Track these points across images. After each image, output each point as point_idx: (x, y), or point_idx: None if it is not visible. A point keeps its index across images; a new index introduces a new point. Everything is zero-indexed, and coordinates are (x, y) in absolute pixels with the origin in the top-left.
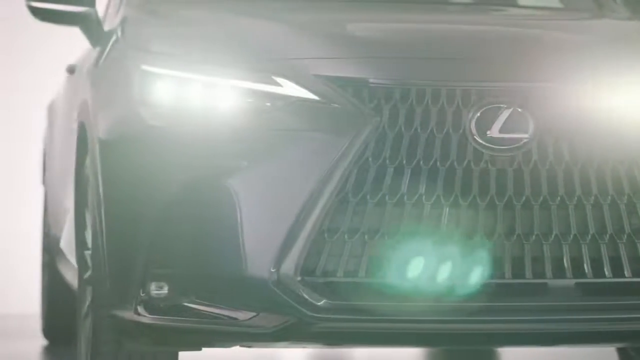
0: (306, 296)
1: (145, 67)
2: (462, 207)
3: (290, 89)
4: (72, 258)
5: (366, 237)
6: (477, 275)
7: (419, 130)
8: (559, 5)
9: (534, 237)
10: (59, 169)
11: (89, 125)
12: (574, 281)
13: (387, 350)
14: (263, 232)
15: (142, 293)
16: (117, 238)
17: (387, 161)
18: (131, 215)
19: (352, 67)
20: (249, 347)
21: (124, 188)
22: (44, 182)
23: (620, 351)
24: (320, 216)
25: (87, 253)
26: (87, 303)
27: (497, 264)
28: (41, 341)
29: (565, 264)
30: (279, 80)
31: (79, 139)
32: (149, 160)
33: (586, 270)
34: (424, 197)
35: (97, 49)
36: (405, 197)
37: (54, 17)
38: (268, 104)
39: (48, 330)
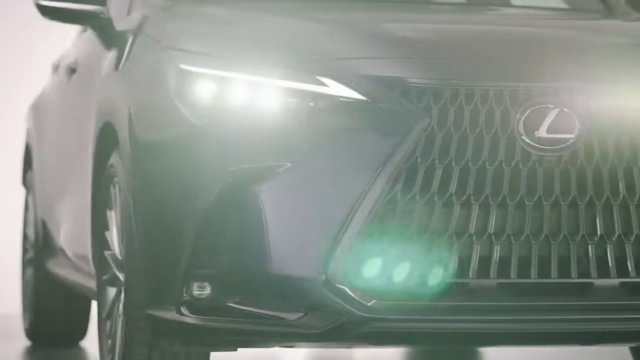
0: (355, 296)
1: (184, 67)
2: (509, 207)
3: (336, 88)
4: (77, 258)
5: (415, 237)
6: (524, 274)
7: (467, 130)
8: (564, 6)
9: (579, 237)
10: (56, 169)
11: (118, 125)
12: (618, 281)
13: (386, 350)
14: (311, 232)
15: (185, 293)
16: (157, 239)
17: (436, 161)
18: (172, 216)
19: (400, 67)
20: (292, 347)
21: (164, 188)
22: (26, 182)
23: (634, 350)
24: (369, 216)
25: (108, 254)
26: (110, 303)
27: (543, 264)
28: (24, 342)
29: (610, 264)
30: (324, 80)
31: (100, 140)
32: (192, 160)
33: (630, 270)
34: (472, 197)
35: (114, 49)
36: (454, 198)
37: (64, 16)
38: (313, 104)
39: (32, 330)
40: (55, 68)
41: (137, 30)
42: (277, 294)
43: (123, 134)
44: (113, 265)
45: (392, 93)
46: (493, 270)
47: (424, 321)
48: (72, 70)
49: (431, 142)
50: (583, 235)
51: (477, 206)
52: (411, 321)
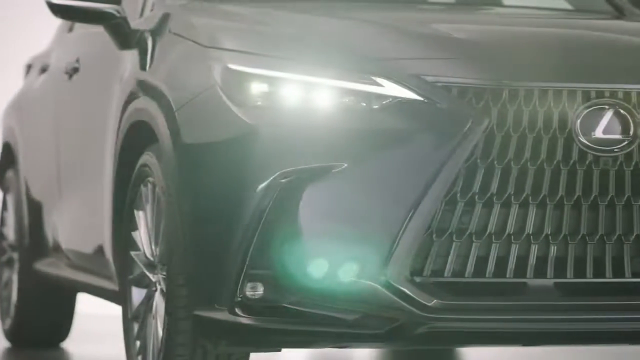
0: (416, 297)
1: (233, 66)
2: (566, 207)
3: (391, 89)
4: (82, 258)
5: (474, 237)
6: (580, 274)
7: (526, 131)
8: (568, 7)
9: (633, 236)
10: (53, 169)
11: (156, 125)
12: None
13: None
14: (369, 233)
15: (238, 294)
16: (207, 240)
17: (495, 162)
18: (225, 217)
19: (457, 67)
20: (344, 347)
21: (216, 189)
22: (4, 182)
23: None
24: (428, 217)
25: (135, 254)
26: (137, 304)
27: (598, 264)
28: (2, 343)
29: None
30: (379, 80)
31: (127, 139)
32: (246, 160)
33: None
34: (530, 197)
35: (134, 48)
36: (512, 198)
37: (76, 16)
38: (369, 104)
39: (14, 332)
40: (30, 68)
41: (160, 29)
42: (335, 295)
43: (163, 134)
44: (141, 266)
45: (448, 93)
46: (550, 270)
47: (484, 321)
48: (74, 70)
49: (490, 142)
50: (637, 235)
51: (535, 206)
52: (472, 321)
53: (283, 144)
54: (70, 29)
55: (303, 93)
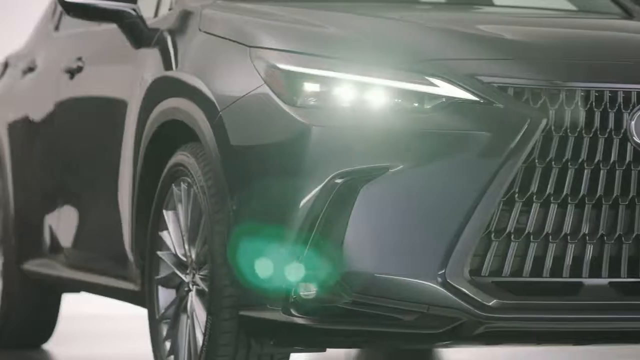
0: (476, 296)
1: (283, 66)
2: (620, 207)
3: (446, 89)
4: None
5: (531, 237)
6: (634, 273)
7: (583, 131)
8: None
9: None
10: (54, 170)
11: (197, 125)
12: None
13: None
14: (427, 233)
15: (293, 294)
16: (259, 239)
17: (553, 162)
18: (277, 216)
19: (513, 68)
20: (400, 347)
21: (267, 189)
22: None
23: None
24: (486, 217)
25: (164, 254)
26: (167, 305)
27: None
28: None
29: None
30: (434, 80)
31: (155, 140)
32: (301, 161)
33: None
34: (586, 198)
35: (154, 47)
36: (569, 198)
37: (91, 14)
38: (424, 104)
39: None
40: (6, 67)
41: (184, 28)
42: (393, 295)
43: (206, 134)
44: (172, 266)
45: (504, 94)
46: (605, 269)
47: (542, 320)
48: (77, 69)
49: (548, 143)
50: None
51: (590, 207)
52: (530, 320)
53: (338, 143)
54: (57, 28)
55: (357, 93)
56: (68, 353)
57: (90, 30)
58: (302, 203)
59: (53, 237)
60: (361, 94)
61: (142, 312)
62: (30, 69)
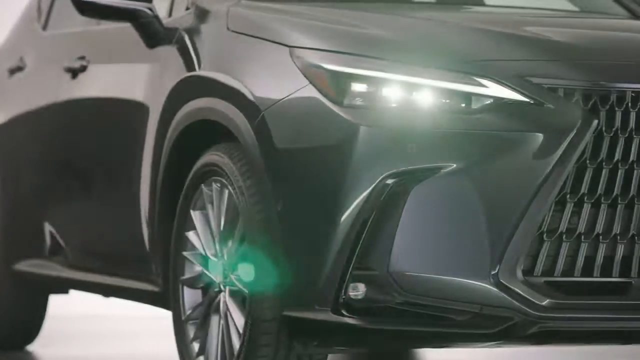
0: (529, 296)
1: (328, 66)
2: None
3: (495, 89)
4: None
5: (582, 237)
6: None
7: (633, 132)
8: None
9: None
10: (58, 169)
11: (234, 126)
12: None
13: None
14: (480, 232)
15: (343, 294)
16: (305, 242)
17: (603, 163)
18: (327, 218)
19: (563, 70)
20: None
21: (315, 190)
22: None
23: None
24: (539, 217)
25: (193, 254)
26: (195, 305)
27: None
28: None
29: None
30: (483, 81)
31: (181, 139)
32: (350, 161)
33: None
34: (635, 198)
35: (173, 45)
36: (619, 199)
37: (104, 13)
38: (473, 105)
39: None
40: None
41: (208, 27)
42: (445, 295)
43: (246, 134)
44: (200, 266)
45: (554, 95)
46: None
47: (594, 320)
48: (81, 68)
49: (599, 143)
50: None
51: (638, 207)
52: (582, 320)
53: (388, 144)
54: (45, 27)
55: (405, 93)
56: (52, 353)
57: (90, 29)
58: (352, 204)
59: (53, 239)
60: (409, 94)
61: (137, 313)
62: (19, 68)
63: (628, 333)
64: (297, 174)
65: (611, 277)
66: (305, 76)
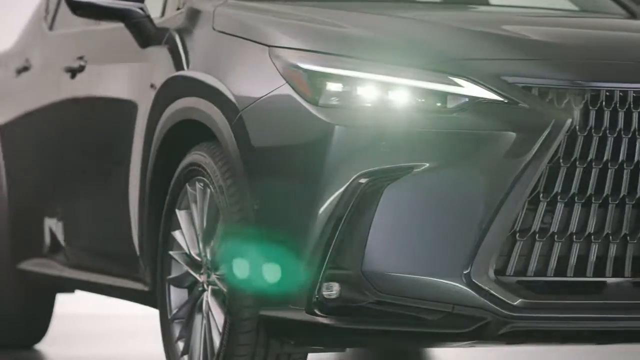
0: (501, 296)
1: (305, 66)
2: None
3: (470, 89)
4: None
5: (556, 237)
6: None
7: (607, 131)
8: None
9: None
10: (51, 170)
11: (214, 125)
12: None
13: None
14: (452, 232)
15: (316, 294)
16: (280, 241)
17: (577, 162)
18: (301, 217)
19: (538, 69)
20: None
21: (290, 189)
22: None
23: None
24: (511, 217)
25: (176, 253)
26: (180, 305)
27: None
28: None
29: None
30: (458, 80)
31: (167, 139)
32: (324, 161)
33: None
34: (610, 197)
35: (163, 45)
36: (593, 198)
37: (98, 13)
38: (447, 104)
39: None
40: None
41: (196, 27)
42: (418, 295)
43: (225, 133)
44: (185, 266)
45: (529, 94)
46: (628, 269)
47: (567, 320)
48: (79, 68)
49: (573, 143)
50: None
51: (614, 206)
52: (554, 320)
53: (362, 143)
54: (51, 27)
55: (380, 93)
56: (63, 353)
57: (89, 29)
58: (326, 203)
59: (53, 238)
60: (384, 93)
61: (142, 312)
62: (25, 68)
63: (602, 333)
64: (273, 173)
65: (585, 276)
66: (282, 76)
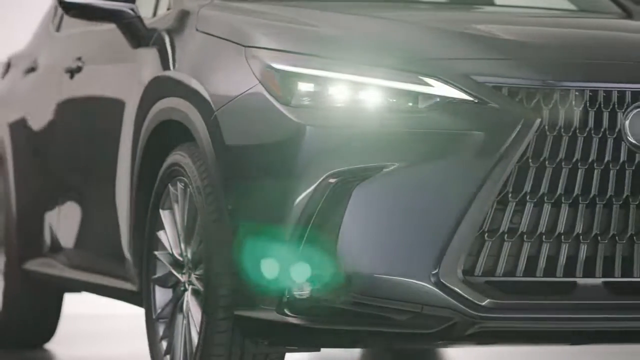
0: (469, 296)
1: (277, 66)
2: (614, 207)
3: (441, 89)
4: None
5: (525, 237)
6: (628, 273)
7: (577, 131)
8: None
9: None
10: (52, 170)
11: (193, 125)
12: None
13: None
14: (421, 232)
15: (287, 294)
16: (254, 239)
17: (546, 162)
18: (272, 216)
19: (508, 68)
20: (394, 347)
21: (261, 189)
22: None
23: None
24: (480, 217)
25: (161, 253)
26: (163, 304)
27: None
28: None
29: None
30: (428, 80)
31: (151, 140)
32: (295, 160)
33: None
34: (580, 197)
35: (152, 46)
36: (563, 198)
37: (90, 14)
38: (418, 104)
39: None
40: (9, 67)
41: (182, 28)
42: (387, 295)
43: (201, 133)
44: (168, 265)
45: (498, 94)
46: (598, 269)
47: (535, 320)
48: (77, 69)
49: (542, 142)
50: None
51: (584, 206)
52: (523, 320)
53: (332, 143)
54: (58, 28)
55: (351, 93)
56: (70, 353)
57: (89, 30)
58: (295, 203)
59: (53, 237)
60: (355, 93)
61: (142, 313)
62: (32, 69)
63: (573, 333)
64: (246, 173)
65: (555, 277)
66: (256, 76)
